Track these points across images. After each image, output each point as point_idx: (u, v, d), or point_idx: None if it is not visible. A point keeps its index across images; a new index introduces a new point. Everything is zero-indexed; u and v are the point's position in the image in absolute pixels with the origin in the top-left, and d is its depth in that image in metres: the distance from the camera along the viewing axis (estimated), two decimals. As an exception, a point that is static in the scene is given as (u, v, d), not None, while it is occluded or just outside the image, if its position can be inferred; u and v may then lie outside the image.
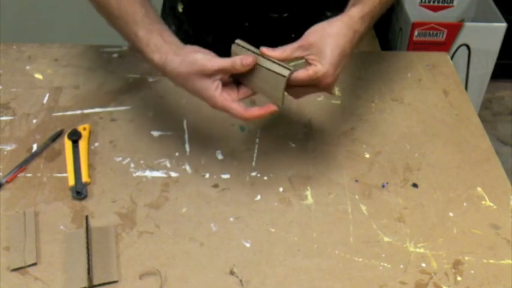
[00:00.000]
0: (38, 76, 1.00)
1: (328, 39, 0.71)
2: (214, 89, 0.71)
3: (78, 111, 0.93)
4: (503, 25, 1.77)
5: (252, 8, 0.99)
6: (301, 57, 0.72)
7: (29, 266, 0.71)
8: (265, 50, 0.71)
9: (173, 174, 0.83)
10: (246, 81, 0.74)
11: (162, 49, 0.73)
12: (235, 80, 0.74)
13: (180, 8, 1.06)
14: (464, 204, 0.81)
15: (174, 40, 0.75)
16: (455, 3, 1.96)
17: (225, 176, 0.83)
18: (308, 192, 0.82)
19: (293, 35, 1.02)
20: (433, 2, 1.95)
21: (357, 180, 0.84)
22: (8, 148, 0.86)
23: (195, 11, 1.05)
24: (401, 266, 0.72)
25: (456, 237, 0.76)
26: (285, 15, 0.99)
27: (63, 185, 0.81)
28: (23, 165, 0.83)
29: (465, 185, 0.83)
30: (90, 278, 0.68)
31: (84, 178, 0.81)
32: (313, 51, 0.71)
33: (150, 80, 1.00)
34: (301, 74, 0.70)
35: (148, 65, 0.76)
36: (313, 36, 0.72)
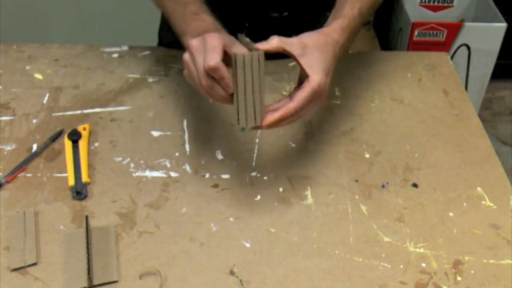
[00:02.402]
0: (38, 76, 1.00)
1: (318, 47, 0.72)
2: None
3: (78, 111, 0.93)
4: (503, 25, 1.77)
5: (252, 8, 0.99)
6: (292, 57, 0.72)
7: (29, 266, 0.71)
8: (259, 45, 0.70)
9: (173, 174, 0.83)
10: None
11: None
12: None
13: None
14: (464, 204, 0.81)
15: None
16: (455, 3, 1.96)
17: (225, 176, 0.83)
18: (308, 192, 0.82)
19: (293, 35, 1.02)
20: (433, 2, 1.95)
21: (357, 180, 0.84)
22: (8, 148, 0.86)
23: None
24: (401, 266, 0.72)
25: (456, 237, 0.76)
26: (285, 14, 0.99)
27: (63, 185, 0.81)
28: (23, 165, 0.83)
29: (465, 185, 0.83)
30: (90, 278, 0.68)
31: (84, 178, 0.81)
32: (306, 52, 0.71)
33: (150, 80, 1.00)
34: (305, 91, 0.70)
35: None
36: (307, 39, 0.73)
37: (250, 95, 0.69)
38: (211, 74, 0.68)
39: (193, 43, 0.70)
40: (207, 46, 0.68)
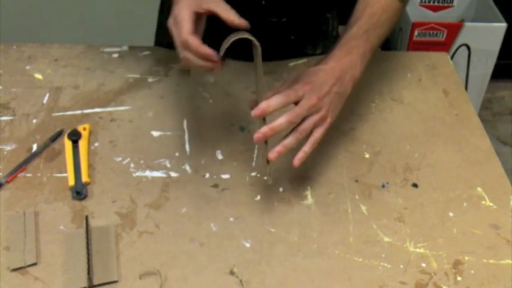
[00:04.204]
0: (38, 76, 1.00)
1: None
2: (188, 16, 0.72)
3: (78, 111, 0.93)
4: (503, 25, 1.77)
5: (251, 13, 0.99)
6: None
7: (29, 266, 0.71)
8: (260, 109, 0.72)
9: (173, 174, 0.83)
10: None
11: None
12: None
13: None
14: (464, 204, 0.81)
15: None
16: (455, 3, 1.96)
17: (225, 176, 0.83)
18: (308, 192, 0.82)
19: (292, 37, 1.01)
20: (433, 2, 1.95)
21: (357, 180, 0.84)
22: (8, 148, 0.86)
23: None
24: (401, 266, 0.72)
25: (456, 237, 0.76)
26: (284, 19, 0.99)
27: (63, 185, 0.81)
28: (23, 165, 0.83)
29: (465, 185, 0.83)
30: (90, 278, 0.68)
31: (84, 178, 0.81)
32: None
33: (150, 80, 1.00)
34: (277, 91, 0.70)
35: None
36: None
37: None
38: (186, 46, 0.71)
39: (169, 22, 0.73)
40: (177, 20, 0.71)
